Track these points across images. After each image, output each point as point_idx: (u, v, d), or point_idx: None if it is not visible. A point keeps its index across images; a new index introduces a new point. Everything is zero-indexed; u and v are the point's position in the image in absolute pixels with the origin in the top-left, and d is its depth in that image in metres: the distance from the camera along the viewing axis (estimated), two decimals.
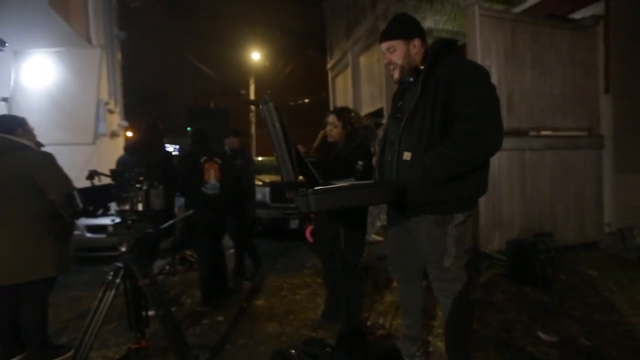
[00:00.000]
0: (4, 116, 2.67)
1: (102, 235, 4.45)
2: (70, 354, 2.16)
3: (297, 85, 19.79)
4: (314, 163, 2.02)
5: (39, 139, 2.68)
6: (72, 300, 3.68)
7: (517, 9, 6.10)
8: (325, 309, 3.12)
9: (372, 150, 2.85)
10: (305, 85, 19.34)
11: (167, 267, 4.60)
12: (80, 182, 2.25)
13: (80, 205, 2.02)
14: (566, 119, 5.19)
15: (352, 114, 2.82)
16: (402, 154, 1.97)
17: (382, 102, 7.47)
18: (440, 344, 2.59)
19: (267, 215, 6.86)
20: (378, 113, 7.76)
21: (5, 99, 4.57)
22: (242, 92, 18.36)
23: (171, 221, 2.77)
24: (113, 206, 2.19)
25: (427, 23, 6.96)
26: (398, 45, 2.01)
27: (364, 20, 8.69)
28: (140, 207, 2.14)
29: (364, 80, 8.97)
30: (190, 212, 3.23)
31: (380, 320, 3.11)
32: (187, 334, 2.70)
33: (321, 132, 3.00)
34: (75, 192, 2.02)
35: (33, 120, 2.67)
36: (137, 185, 2.13)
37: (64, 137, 4.55)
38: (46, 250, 2.42)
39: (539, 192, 4.91)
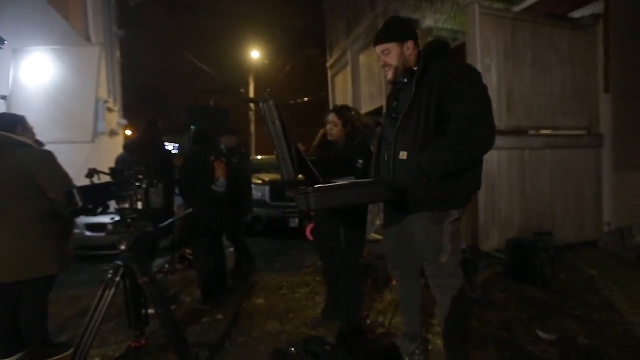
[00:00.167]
0: (3, 114, 2.67)
1: (102, 234, 4.44)
2: (70, 352, 2.17)
3: (296, 84, 19.73)
4: (314, 162, 2.03)
5: (38, 137, 2.66)
6: (72, 299, 3.68)
7: (517, 8, 6.10)
8: (325, 307, 3.13)
9: (373, 148, 2.85)
10: (305, 83, 19.29)
11: (166, 266, 4.61)
12: (80, 180, 2.25)
13: (80, 204, 2.02)
14: (566, 118, 5.19)
15: (353, 113, 2.83)
16: (399, 154, 2.00)
17: (381, 101, 7.48)
18: (440, 342, 2.59)
19: (267, 214, 6.82)
20: (378, 112, 7.76)
21: (4, 97, 4.55)
22: (242, 90, 18.33)
23: (171, 220, 2.76)
24: (113, 205, 2.18)
25: (427, 22, 6.97)
26: (392, 47, 2.05)
27: (363, 19, 8.68)
28: (139, 205, 2.14)
29: (364, 78, 8.97)
30: (190, 210, 3.23)
31: (380, 319, 3.11)
32: (187, 333, 2.71)
33: (321, 131, 3.00)
34: (75, 191, 2.02)
35: (32, 119, 2.66)
36: (137, 184, 2.13)
37: (63, 135, 4.53)
38: (46, 248, 2.41)
39: (538, 191, 4.92)
